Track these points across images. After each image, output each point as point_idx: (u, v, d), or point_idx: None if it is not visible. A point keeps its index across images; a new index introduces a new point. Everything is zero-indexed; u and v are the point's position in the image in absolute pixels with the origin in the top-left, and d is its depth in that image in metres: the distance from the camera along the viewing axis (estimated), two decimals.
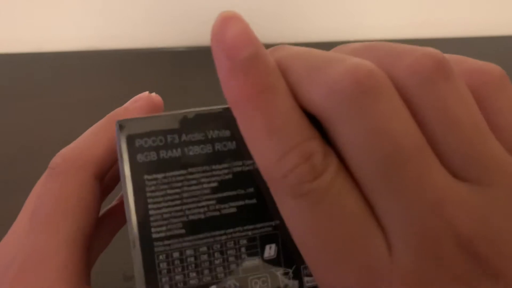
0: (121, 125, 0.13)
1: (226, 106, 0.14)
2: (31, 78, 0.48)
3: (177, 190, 0.13)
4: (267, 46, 0.48)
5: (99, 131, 0.18)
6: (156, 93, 0.21)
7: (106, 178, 0.20)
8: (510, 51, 0.52)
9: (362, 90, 0.12)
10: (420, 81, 0.12)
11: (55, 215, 0.16)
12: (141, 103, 0.19)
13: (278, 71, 0.13)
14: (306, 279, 0.14)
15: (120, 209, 0.21)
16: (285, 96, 0.13)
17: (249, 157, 0.14)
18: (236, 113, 0.13)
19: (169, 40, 0.54)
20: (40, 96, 0.46)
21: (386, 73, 0.13)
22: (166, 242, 0.13)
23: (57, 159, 0.18)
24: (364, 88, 0.12)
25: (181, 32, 0.53)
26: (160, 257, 0.13)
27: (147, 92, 0.20)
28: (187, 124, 0.14)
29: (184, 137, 0.13)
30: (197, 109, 0.14)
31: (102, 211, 0.21)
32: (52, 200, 0.16)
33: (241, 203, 0.14)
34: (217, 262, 0.14)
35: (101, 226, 0.21)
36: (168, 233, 0.13)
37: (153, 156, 0.13)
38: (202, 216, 0.14)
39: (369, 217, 0.12)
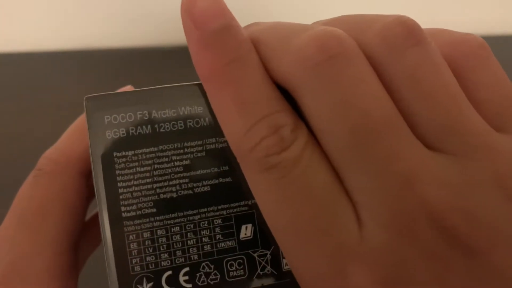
0: (89, 101, 0.13)
1: (199, 82, 0.14)
2: (20, 78, 0.48)
3: (148, 168, 0.13)
4: None
5: (79, 127, 0.18)
6: None
7: None
8: (510, 51, 0.52)
9: (327, 57, 0.11)
10: (389, 48, 0.12)
11: (40, 218, 0.16)
12: None
13: (249, 43, 0.13)
14: (284, 261, 0.14)
15: None
16: (255, 68, 0.12)
17: (223, 133, 0.13)
18: (206, 87, 0.13)
19: (163, 38, 0.54)
20: (32, 96, 0.47)
21: (356, 41, 0.12)
22: (137, 221, 0.13)
23: (42, 160, 0.17)
24: (329, 54, 0.11)
25: (174, 30, 0.54)
26: (130, 237, 0.13)
27: (129, 86, 0.20)
28: (158, 100, 0.13)
29: (154, 114, 0.13)
30: (169, 85, 0.13)
31: (91, 214, 0.21)
32: (38, 203, 0.16)
33: (215, 181, 0.13)
34: (190, 242, 0.13)
35: (90, 229, 0.20)
36: (139, 212, 0.13)
37: (122, 132, 0.13)
38: (174, 195, 0.13)
39: (339, 192, 0.12)
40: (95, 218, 0.20)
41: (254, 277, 0.14)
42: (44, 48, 0.52)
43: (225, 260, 0.13)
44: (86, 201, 0.18)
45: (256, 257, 0.14)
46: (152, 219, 0.13)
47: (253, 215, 0.14)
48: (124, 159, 0.13)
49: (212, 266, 0.13)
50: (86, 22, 0.53)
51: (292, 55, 0.12)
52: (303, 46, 0.11)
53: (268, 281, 0.14)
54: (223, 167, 0.13)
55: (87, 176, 0.18)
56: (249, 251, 0.14)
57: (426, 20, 0.56)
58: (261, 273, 0.14)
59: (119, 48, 0.53)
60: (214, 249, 0.13)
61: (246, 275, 0.13)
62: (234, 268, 0.13)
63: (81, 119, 0.19)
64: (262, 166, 0.12)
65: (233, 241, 0.13)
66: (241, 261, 0.13)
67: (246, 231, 0.14)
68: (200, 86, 0.14)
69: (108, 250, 0.13)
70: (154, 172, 0.13)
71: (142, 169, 0.13)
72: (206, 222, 0.13)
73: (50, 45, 0.52)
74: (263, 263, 0.14)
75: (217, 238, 0.13)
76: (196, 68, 0.13)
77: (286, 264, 0.14)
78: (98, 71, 0.50)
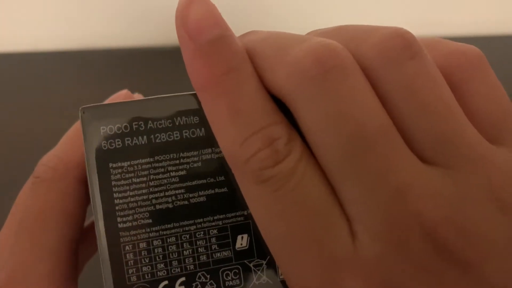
0: (84, 112, 0.13)
1: (194, 92, 0.14)
2: (20, 78, 0.48)
3: (144, 179, 0.13)
4: None
5: (77, 133, 0.18)
6: (149, 92, 0.21)
7: None
8: (510, 51, 0.52)
9: (323, 70, 0.11)
10: (385, 61, 0.12)
11: (40, 225, 0.16)
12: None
13: (244, 54, 0.13)
14: (280, 270, 0.14)
15: None
16: (250, 79, 0.12)
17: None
18: (201, 97, 0.13)
19: (163, 38, 0.54)
20: (32, 96, 0.47)
21: (352, 53, 0.12)
22: (133, 232, 0.13)
23: (40, 167, 0.17)
24: (326, 67, 0.11)
25: (174, 30, 0.54)
26: (127, 247, 0.13)
27: (125, 90, 0.20)
28: (154, 110, 0.13)
29: (150, 124, 0.13)
30: (165, 95, 0.14)
31: (90, 219, 0.21)
32: (37, 210, 0.16)
33: (211, 192, 0.13)
34: (186, 253, 0.13)
35: (88, 234, 0.21)
36: (135, 223, 0.13)
37: (118, 143, 0.13)
38: (170, 206, 0.13)
39: (333, 204, 0.12)
40: (94, 224, 0.20)
41: (250, 287, 0.14)
42: (44, 48, 0.52)
43: (221, 270, 0.13)
44: (85, 208, 0.18)
45: (252, 267, 0.14)
46: (148, 229, 0.13)
47: (249, 225, 0.14)
48: (120, 170, 0.13)
49: (208, 276, 0.13)
50: (86, 22, 0.53)
51: (288, 67, 0.12)
52: (299, 59, 0.11)
53: None
54: (219, 178, 0.13)
55: (85, 182, 0.18)
56: (245, 261, 0.14)
57: (426, 20, 0.56)
58: (257, 283, 0.14)
59: (119, 48, 0.53)
60: (210, 259, 0.13)
61: (242, 285, 0.14)
62: (230, 278, 0.13)
63: (78, 124, 0.19)
64: (256, 178, 0.12)
65: (229, 251, 0.14)
66: (236, 271, 0.14)
67: (242, 241, 0.14)
68: (195, 96, 0.14)
69: (105, 260, 0.13)
70: (150, 183, 0.13)
71: (138, 180, 0.13)
72: (202, 232, 0.13)
73: (50, 45, 0.52)
74: (259, 272, 0.14)
75: (213, 248, 0.13)
76: (190, 78, 0.13)
77: (282, 274, 0.14)
78: (98, 71, 0.50)
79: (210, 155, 0.13)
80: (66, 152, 0.18)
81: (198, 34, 0.12)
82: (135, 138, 0.13)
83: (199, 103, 0.13)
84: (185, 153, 0.13)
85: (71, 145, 0.18)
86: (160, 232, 0.13)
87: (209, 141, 0.13)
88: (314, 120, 0.11)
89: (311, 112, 0.11)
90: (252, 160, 0.12)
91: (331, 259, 0.11)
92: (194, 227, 0.13)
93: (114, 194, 0.13)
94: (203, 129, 0.13)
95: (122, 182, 0.13)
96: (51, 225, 0.16)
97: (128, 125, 0.13)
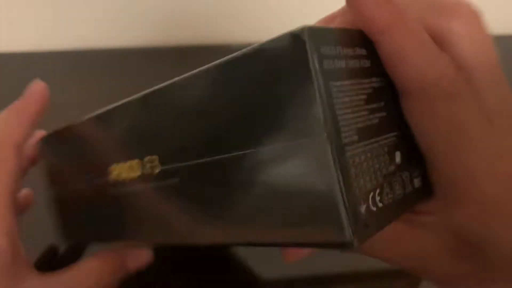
0: (311, 33, 0.13)
1: (353, 29, 0.15)
2: (20, 78, 0.48)
3: (351, 98, 0.14)
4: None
5: (16, 111, 0.25)
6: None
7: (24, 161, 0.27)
8: (510, 51, 0.52)
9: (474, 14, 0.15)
10: None
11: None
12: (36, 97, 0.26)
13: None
14: (415, 180, 0.16)
15: None
16: (417, 21, 0.15)
17: (380, 74, 0.15)
18: (382, 36, 0.14)
19: (163, 39, 0.54)
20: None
21: None
22: (348, 147, 0.13)
23: None
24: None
25: (174, 30, 0.54)
26: (351, 161, 0.13)
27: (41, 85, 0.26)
28: (354, 40, 0.15)
29: (352, 52, 0.14)
30: (348, 28, 0.15)
31: None
32: None
33: (378, 115, 0.15)
34: (377, 166, 0.14)
35: None
36: (349, 139, 0.13)
37: (339, 64, 0.14)
38: (361, 125, 0.14)
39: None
40: None
41: (405, 194, 0.15)
42: (44, 48, 0.52)
43: (392, 181, 0.15)
44: (22, 171, 0.26)
45: (405, 179, 0.15)
46: (356, 145, 0.14)
47: (400, 143, 0.15)
48: (341, 88, 0.13)
49: (390, 186, 0.15)
50: (86, 22, 0.53)
51: (451, 10, 0.15)
52: (458, 7, 0.15)
53: (411, 198, 0.16)
54: (381, 103, 0.15)
55: (20, 149, 0.24)
56: (401, 173, 0.15)
57: None
58: (406, 191, 0.15)
59: (119, 48, 0.53)
60: (389, 172, 0.15)
61: (404, 193, 0.15)
62: (397, 188, 0.15)
63: (18, 102, 0.25)
64: (448, 94, 0.14)
65: (394, 166, 0.15)
66: (400, 182, 0.15)
67: (398, 157, 0.15)
68: (360, 32, 0.15)
69: (333, 176, 0.13)
70: (354, 102, 0.14)
71: (351, 99, 0.14)
72: (380, 149, 0.15)
73: (50, 45, 0.52)
74: (408, 183, 0.16)
75: (388, 162, 0.15)
76: (368, 23, 0.15)
77: (416, 183, 0.16)
78: (98, 71, 0.50)
79: (376, 84, 0.15)
80: (9, 126, 0.24)
81: None
82: (355, 60, 0.14)
83: (364, 38, 0.15)
84: (363, 79, 0.15)
85: (12, 122, 0.24)
86: (362, 148, 0.14)
87: (374, 71, 0.15)
88: (469, 49, 0.15)
89: (467, 45, 0.15)
90: (444, 78, 0.14)
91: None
92: (377, 144, 0.14)
93: (337, 111, 0.13)
94: (369, 60, 0.15)
95: (342, 100, 0.13)
96: (7, 181, 0.23)
97: (350, 50, 0.14)
